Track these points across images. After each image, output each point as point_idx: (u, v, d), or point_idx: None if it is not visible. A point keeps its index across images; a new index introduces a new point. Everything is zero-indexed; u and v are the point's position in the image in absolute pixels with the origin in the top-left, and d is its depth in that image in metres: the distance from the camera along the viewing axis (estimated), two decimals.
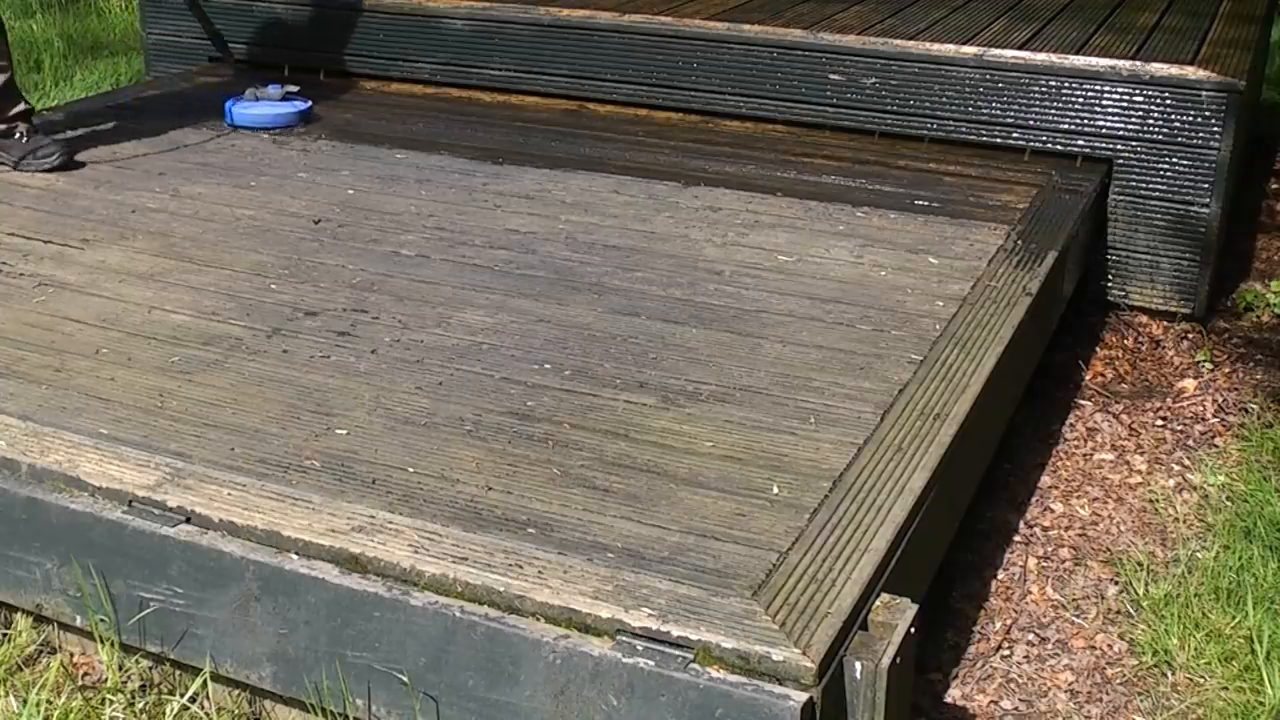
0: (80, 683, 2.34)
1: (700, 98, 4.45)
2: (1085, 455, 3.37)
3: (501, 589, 2.00)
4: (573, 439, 2.46)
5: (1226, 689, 2.50)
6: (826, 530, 2.18)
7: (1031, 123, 4.05)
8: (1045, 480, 3.26)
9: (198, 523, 2.19)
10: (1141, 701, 2.51)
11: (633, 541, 2.14)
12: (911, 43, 4.22)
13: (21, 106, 3.92)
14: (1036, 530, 3.05)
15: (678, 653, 1.89)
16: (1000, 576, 2.89)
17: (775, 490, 2.30)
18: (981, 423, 2.73)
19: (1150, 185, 3.91)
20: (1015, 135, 4.08)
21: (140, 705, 2.27)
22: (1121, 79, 3.91)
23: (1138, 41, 4.23)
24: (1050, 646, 2.66)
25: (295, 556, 2.12)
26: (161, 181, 3.83)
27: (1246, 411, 3.53)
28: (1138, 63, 3.94)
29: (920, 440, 2.46)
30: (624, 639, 1.92)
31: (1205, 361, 3.80)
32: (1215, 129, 3.79)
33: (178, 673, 2.30)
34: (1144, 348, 3.91)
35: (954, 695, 2.53)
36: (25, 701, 2.25)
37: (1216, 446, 3.39)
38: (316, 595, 2.08)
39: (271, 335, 2.86)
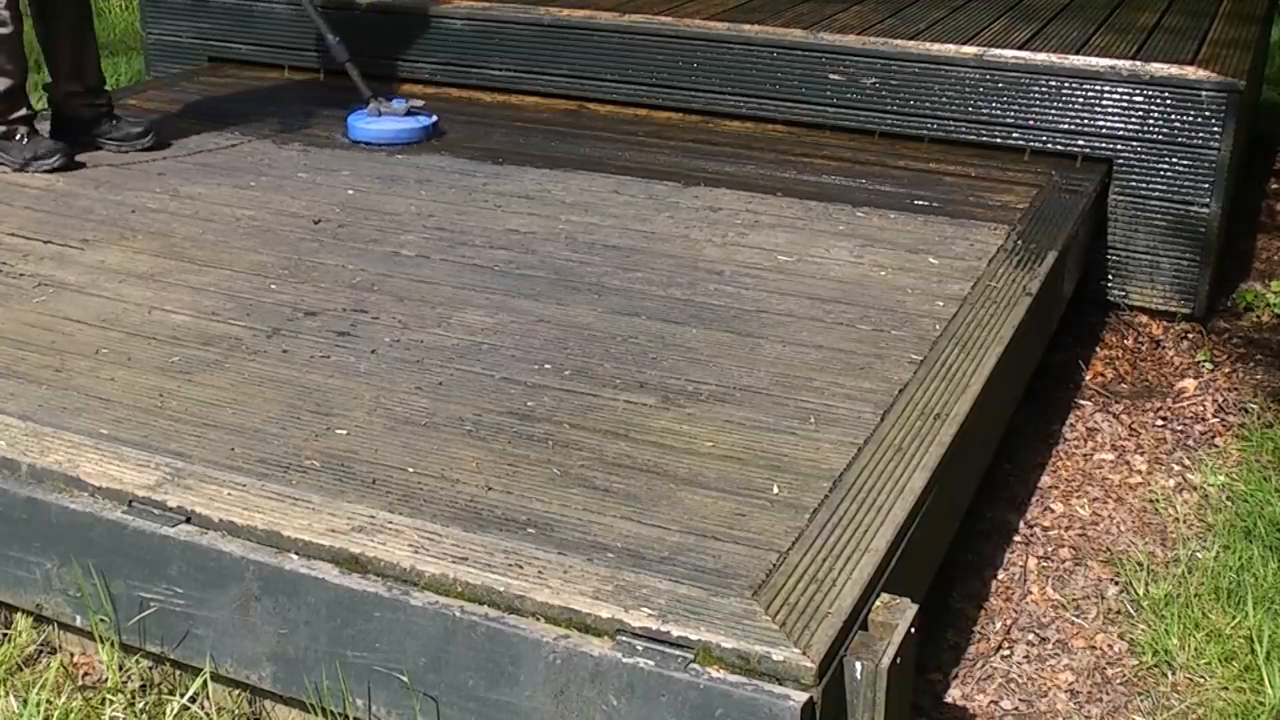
0: (80, 683, 2.34)
1: (700, 98, 4.45)
2: (1085, 455, 3.37)
3: (501, 589, 2.00)
4: (573, 439, 2.45)
5: (1226, 689, 2.50)
6: (827, 530, 2.18)
7: (1031, 123, 4.04)
8: (1045, 480, 3.25)
9: (198, 523, 2.19)
10: (1141, 701, 2.51)
11: (633, 541, 2.14)
12: (911, 43, 4.22)
13: (24, 111, 3.93)
14: (1036, 530, 3.05)
15: (678, 653, 1.89)
16: (1000, 576, 2.89)
17: (775, 490, 2.30)
18: (981, 423, 2.73)
19: (1150, 185, 3.91)
20: (1015, 135, 4.08)
21: (140, 705, 2.27)
22: (1121, 79, 3.91)
23: (1138, 41, 4.23)
24: (1050, 646, 2.66)
25: (295, 556, 2.12)
26: (161, 182, 3.83)
27: (1246, 411, 3.53)
28: (1138, 63, 3.94)
29: (920, 440, 2.46)
30: (624, 639, 1.92)
31: (1205, 361, 3.80)
32: (1215, 129, 3.79)
33: (178, 673, 2.30)
34: (1144, 348, 3.91)
35: (954, 695, 2.52)
36: (25, 701, 2.25)
37: (1216, 446, 3.39)
38: (316, 595, 2.08)
39: (271, 335, 2.86)
